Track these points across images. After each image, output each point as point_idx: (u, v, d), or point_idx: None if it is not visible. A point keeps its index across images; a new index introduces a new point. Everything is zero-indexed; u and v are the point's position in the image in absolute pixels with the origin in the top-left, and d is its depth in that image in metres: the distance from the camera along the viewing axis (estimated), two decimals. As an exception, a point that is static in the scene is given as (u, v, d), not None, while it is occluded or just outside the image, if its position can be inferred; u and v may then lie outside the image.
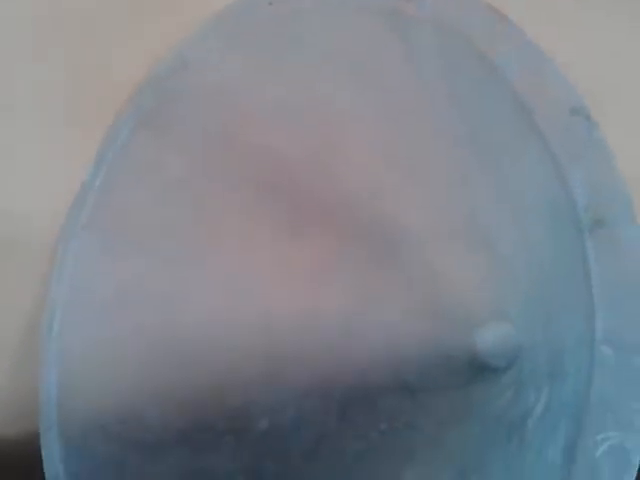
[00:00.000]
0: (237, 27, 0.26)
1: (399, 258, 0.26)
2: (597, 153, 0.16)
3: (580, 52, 0.25)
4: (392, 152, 0.24)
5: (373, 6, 0.23)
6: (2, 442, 0.27)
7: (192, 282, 0.26)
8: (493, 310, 0.21)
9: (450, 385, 0.21)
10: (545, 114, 0.18)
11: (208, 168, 0.26)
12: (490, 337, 0.20)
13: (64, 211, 0.27)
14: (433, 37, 0.22)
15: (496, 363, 0.20)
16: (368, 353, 0.26)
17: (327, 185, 0.25)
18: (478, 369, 0.20)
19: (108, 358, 0.25)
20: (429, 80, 0.21)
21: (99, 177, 0.27)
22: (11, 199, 0.28)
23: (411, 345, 0.24)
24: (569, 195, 0.16)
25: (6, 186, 0.28)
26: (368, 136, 0.24)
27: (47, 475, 0.23)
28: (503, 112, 0.19)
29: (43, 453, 0.23)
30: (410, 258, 0.26)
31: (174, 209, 0.26)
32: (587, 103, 0.17)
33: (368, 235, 0.26)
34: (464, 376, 0.21)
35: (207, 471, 0.22)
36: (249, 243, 0.26)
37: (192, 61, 0.26)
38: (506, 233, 0.20)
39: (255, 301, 0.26)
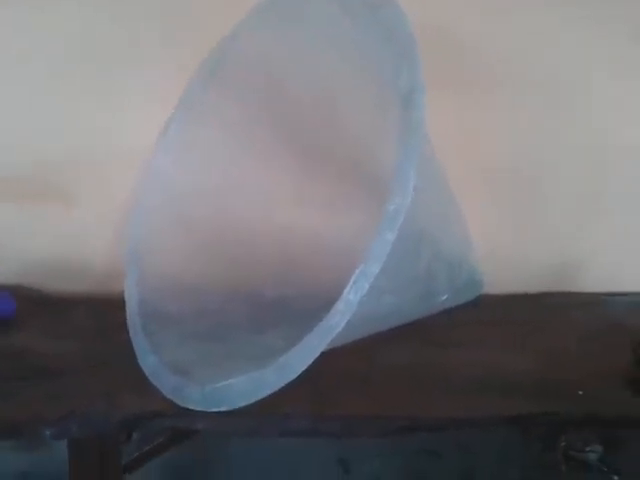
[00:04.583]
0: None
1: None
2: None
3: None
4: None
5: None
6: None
7: (236, 192, 0.38)
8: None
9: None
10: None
11: (253, 114, 0.37)
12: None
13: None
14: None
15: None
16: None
17: (329, 132, 0.36)
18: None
19: (178, 228, 0.37)
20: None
21: (180, 112, 0.39)
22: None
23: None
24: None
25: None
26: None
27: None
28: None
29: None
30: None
31: (229, 142, 0.38)
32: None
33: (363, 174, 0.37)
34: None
35: (227, 312, 0.34)
36: (275, 172, 0.38)
37: (240, 34, 0.36)
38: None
39: (277, 214, 0.38)
